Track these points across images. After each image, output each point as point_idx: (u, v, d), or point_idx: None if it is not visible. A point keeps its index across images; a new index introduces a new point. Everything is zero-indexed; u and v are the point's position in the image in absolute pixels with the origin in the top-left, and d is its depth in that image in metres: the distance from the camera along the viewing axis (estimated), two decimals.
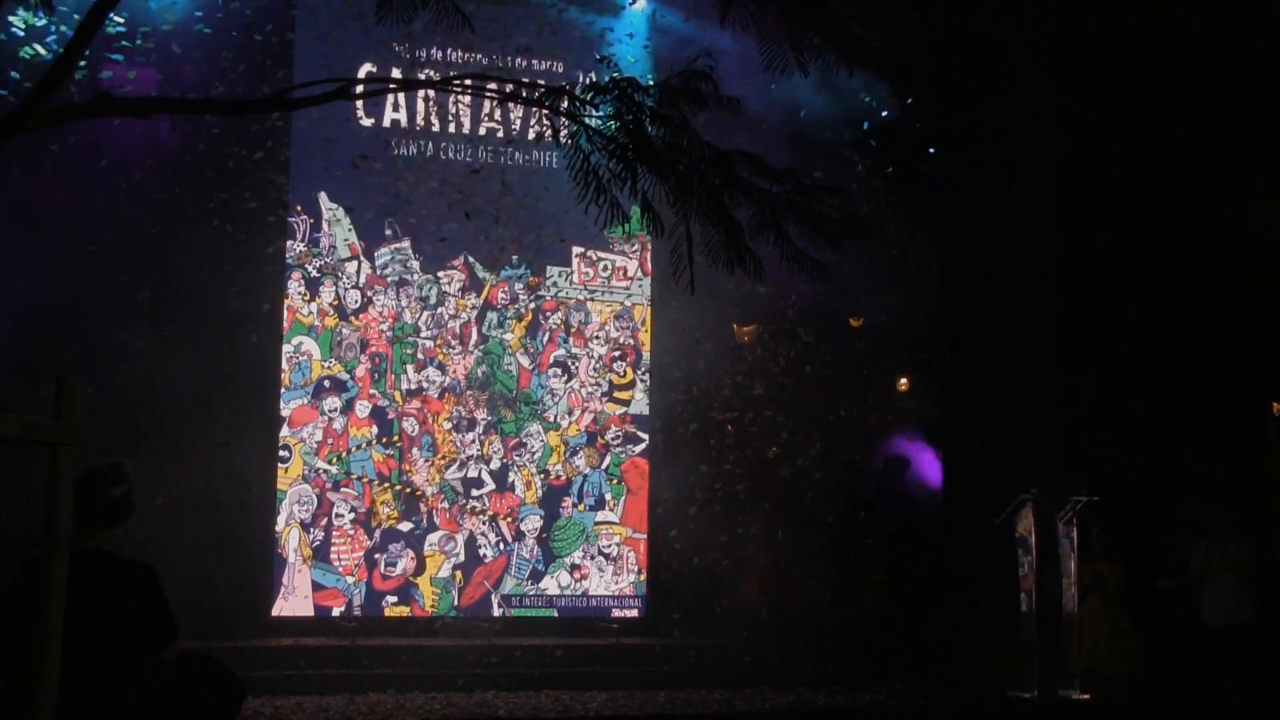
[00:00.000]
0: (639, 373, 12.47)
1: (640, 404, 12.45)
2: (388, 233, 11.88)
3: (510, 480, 12.00)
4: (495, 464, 11.97)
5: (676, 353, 12.32)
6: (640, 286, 12.60)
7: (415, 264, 11.94)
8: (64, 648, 2.68)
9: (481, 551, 11.82)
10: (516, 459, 12.03)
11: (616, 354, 12.40)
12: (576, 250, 12.37)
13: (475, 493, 11.88)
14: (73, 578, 2.76)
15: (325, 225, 11.75)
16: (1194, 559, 10.28)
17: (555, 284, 12.31)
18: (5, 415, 2.56)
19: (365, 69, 11.74)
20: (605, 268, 12.52)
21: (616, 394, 12.41)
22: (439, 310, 11.96)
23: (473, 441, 11.91)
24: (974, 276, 13.04)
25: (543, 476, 12.08)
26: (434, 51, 12.06)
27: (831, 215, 6.47)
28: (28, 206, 10.32)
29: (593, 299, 12.46)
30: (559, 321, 12.31)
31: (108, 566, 3.97)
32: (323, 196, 11.75)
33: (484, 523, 11.84)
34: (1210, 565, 10.17)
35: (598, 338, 12.38)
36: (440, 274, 12.01)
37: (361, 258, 11.82)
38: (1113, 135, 12.48)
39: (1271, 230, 12.22)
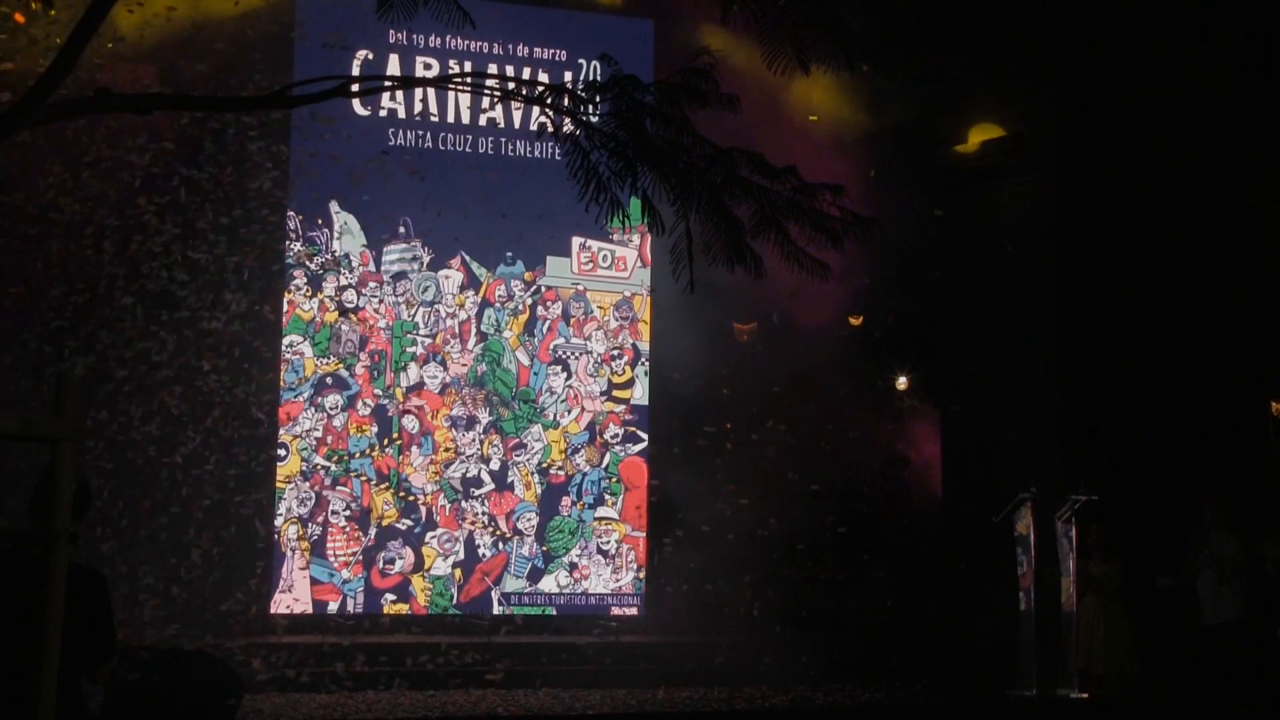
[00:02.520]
0: (637, 369, 12.45)
1: (640, 398, 12.43)
2: (401, 230, 11.89)
3: (510, 480, 11.99)
4: (495, 464, 11.96)
5: (676, 345, 12.28)
6: (640, 276, 12.59)
7: (419, 262, 11.93)
8: (8, 648, 2.63)
9: (480, 551, 11.81)
10: (516, 459, 12.02)
11: (615, 352, 12.39)
12: (575, 240, 12.35)
13: (475, 492, 11.87)
14: (25, 578, 2.72)
15: (335, 234, 11.76)
16: (1189, 557, 10.38)
17: (553, 279, 12.31)
18: (6, 411, 2.56)
19: (362, 54, 11.73)
20: (605, 258, 12.51)
21: (616, 392, 12.39)
22: (438, 307, 11.95)
23: (473, 441, 11.90)
24: (974, 275, 13.04)
25: (541, 477, 12.07)
26: (432, 39, 12.04)
27: (832, 214, 6.47)
28: (28, 202, 10.31)
29: (591, 289, 12.44)
30: (558, 312, 12.29)
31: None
32: (333, 204, 11.75)
33: (484, 522, 11.82)
34: (1198, 563, 10.24)
35: (597, 332, 12.35)
36: (439, 271, 12.00)
37: (371, 264, 11.82)
38: (1114, 133, 12.48)
39: (1271, 226, 12.24)
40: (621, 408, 12.36)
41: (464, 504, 11.81)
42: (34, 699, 2.45)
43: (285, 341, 11.48)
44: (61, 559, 2.55)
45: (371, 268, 11.83)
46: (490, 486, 11.91)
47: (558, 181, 7.03)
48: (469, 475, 11.86)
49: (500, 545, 11.86)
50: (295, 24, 11.53)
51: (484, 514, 11.83)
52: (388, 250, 11.86)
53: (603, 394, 12.32)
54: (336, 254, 11.71)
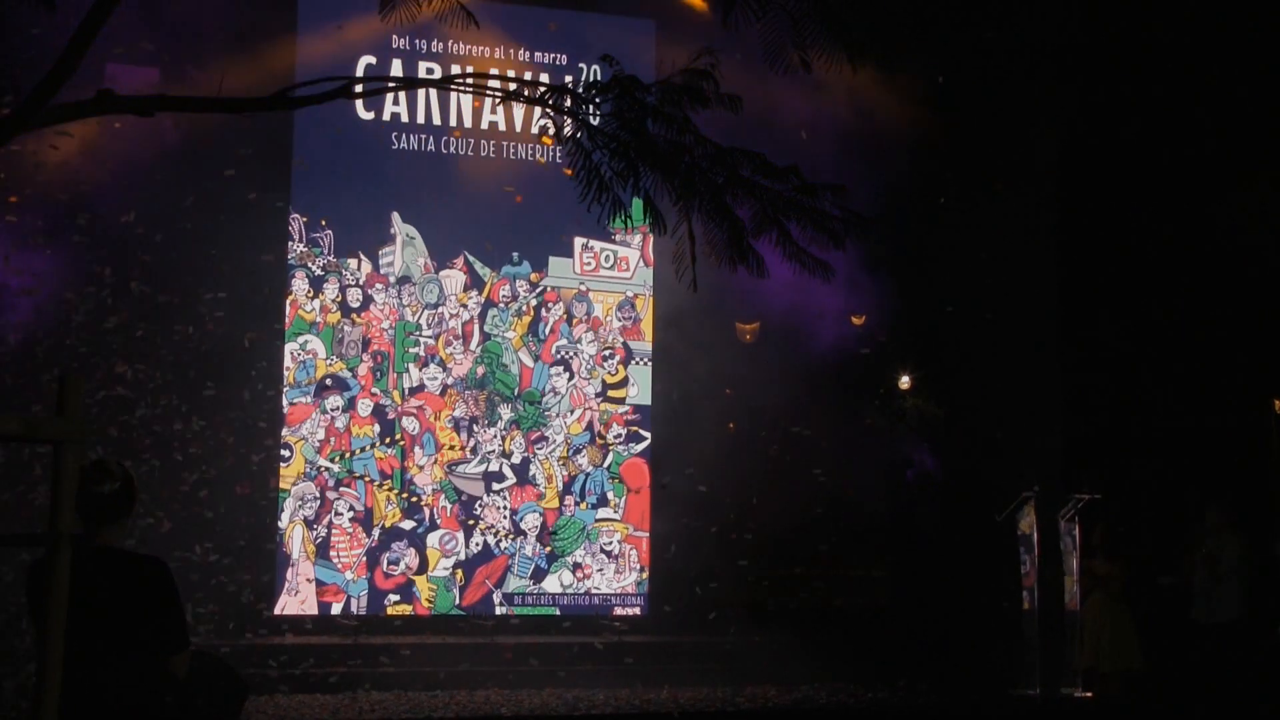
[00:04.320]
0: (630, 367, 12.44)
1: (642, 397, 12.43)
2: (392, 230, 11.91)
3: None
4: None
5: (679, 344, 12.28)
6: (642, 276, 12.60)
7: (422, 262, 11.95)
8: (75, 644, 2.66)
9: (492, 548, 11.80)
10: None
11: (606, 352, 12.38)
12: (578, 240, 12.36)
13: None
14: (80, 574, 2.74)
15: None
16: (1185, 556, 10.39)
17: (555, 277, 12.32)
18: (7, 412, 2.57)
19: (365, 61, 11.75)
20: (607, 258, 12.51)
21: (610, 393, 12.40)
22: (440, 308, 11.96)
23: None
24: (975, 273, 13.03)
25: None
26: (435, 45, 12.06)
27: (834, 213, 6.47)
28: (30, 204, 10.33)
29: (594, 290, 12.45)
30: (560, 313, 12.30)
31: (119, 562, 3.95)
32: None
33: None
34: (1194, 562, 10.24)
35: (597, 331, 12.35)
36: (441, 272, 12.01)
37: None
38: (1114, 132, 12.49)
39: (1272, 227, 12.23)
40: (623, 409, 12.36)
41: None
42: (38, 697, 2.46)
43: (299, 341, 11.50)
44: (64, 560, 2.55)
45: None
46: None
47: (560, 182, 7.06)
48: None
49: (501, 547, 11.85)
50: (297, 26, 11.58)
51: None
52: (383, 252, 11.89)
53: (598, 395, 12.32)
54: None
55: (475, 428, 11.91)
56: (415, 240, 11.91)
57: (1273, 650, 10.16)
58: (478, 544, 11.78)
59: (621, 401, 12.38)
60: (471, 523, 11.78)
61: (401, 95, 11.96)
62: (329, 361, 11.60)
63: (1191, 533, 10.50)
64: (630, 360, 12.46)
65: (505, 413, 11.98)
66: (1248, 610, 10.08)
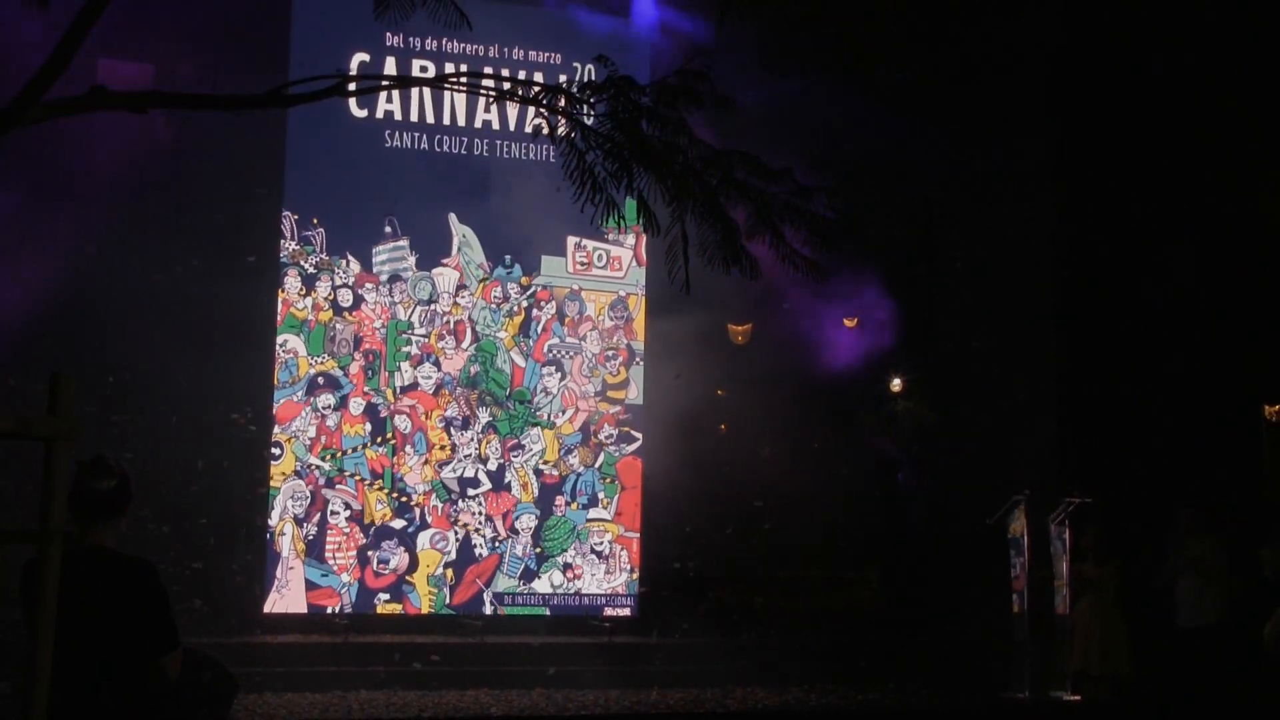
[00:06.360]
0: (631, 369, 12.44)
1: (634, 398, 12.43)
2: (387, 229, 11.89)
3: (506, 480, 11.98)
4: (493, 464, 11.95)
5: (671, 346, 12.28)
6: (635, 276, 12.59)
7: (411, 261, 11.92)
8: (62, 645, 2.64)
9: (477, 551, 11.79)
10: (514, 459, 12.00)
11: (610, 353, 12.38)
12: (571, 240, 12.35)
13: (471, 492, 11.86)
14: (70, 574, 2.72)
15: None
16: (1167, 561, 10.42)
17: (549, 275, 12.32)
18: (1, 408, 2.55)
19: (358, 58, 11.73)
20: (600, 257, 12.51)
21: (610, 393, 12.39)
22: (432, 307, 11.94)
23: (470, 440, 11.88)
24: (971, 277, 13.06)
25: (538, 477, 12.05)
26: (429, 42, 12.04)
27: (828, 216, 6.48)
28: (24, 201, 10.29)
29: (587, 289, 12.44)
30: (552, 312, 12.28)
31: (107, 563, 3.92)
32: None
33: (480, 520, 11.81)
34: (1176, 567, 10.26)
35: (592, 332, 12.35)
36: (434, 271, 12.00)
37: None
38: (1112, 137, 12.51)
39: (1267, 231, 12.27)
40: (616, 408, 12.36)
41: (460, 503, 11.80)
42: (29, 697, 2.44)
43: (280, 340, 11.47)
44: (55, 559, 2.54)
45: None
46: (487, 486, 11.90)
47: (554, 181, 7.05)
48: (465, 475, 11.85)
49: (495, 545, 11.84)
50: (291, 24, 11.56)
51: (480, 514, 11.82)
52: (376, 251, 11.87)
53: (597, 394, 12.32)
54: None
55: (466, 428, 11.88)
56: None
57: (1261, 654, 10.18)
58: (463, 542, 11.76)
59: (620, 402, 12.36)
60: (456, 521, 11.77)
61: (395, 94, 11.93)
62: (313, 360, 11.54)
63: (1169, 537, 10.53)
64: (632, 362, 12.44)
65: (496, 413, 11.96)
66: (1230, 613, 10.11)
